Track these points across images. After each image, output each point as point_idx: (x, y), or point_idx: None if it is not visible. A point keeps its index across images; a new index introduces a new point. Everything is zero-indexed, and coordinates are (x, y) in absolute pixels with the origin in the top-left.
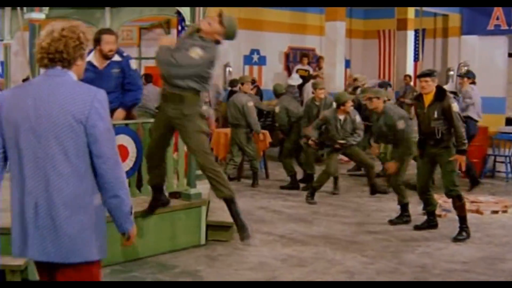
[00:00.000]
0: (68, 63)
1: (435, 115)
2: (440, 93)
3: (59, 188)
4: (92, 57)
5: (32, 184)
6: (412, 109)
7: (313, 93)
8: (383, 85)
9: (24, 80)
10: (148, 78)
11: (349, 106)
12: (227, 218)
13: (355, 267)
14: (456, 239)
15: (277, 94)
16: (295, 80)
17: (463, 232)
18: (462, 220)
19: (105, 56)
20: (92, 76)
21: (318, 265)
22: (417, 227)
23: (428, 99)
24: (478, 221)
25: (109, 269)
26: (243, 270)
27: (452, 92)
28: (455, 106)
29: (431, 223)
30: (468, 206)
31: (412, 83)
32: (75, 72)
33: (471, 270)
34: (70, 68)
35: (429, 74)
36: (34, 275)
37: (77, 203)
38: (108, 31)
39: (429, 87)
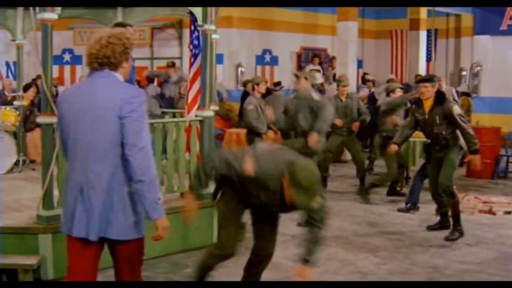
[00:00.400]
0: (115, 66)
1: (437, 120)
2: (439, 97)
3: (99, 175)
4: None
5: (79, 171)
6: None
7: (337, 90)
8: (406, 88)
9: (34, 79)
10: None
11: (398, 93)
12: None
13: (367, 267)
14: (447, 239)
15: None
16: (319, 79)
17: (455, 232)
18: (456, 218)
19: None
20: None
21: (330, 266)
22: (430, 228)
23: (427, 104)
24: (491, 221)
25: None
26: None
27: (464, 93)
28: (456, 108)
29: (444, 224)
30: (480, 206)
31: None
32: (121, 74)
33: (484, 270)
34: (117, 70)
35: (429, 79)
36: (46, 275)
37: (115, 188)
38: (129, 24)
39: (429, 92)
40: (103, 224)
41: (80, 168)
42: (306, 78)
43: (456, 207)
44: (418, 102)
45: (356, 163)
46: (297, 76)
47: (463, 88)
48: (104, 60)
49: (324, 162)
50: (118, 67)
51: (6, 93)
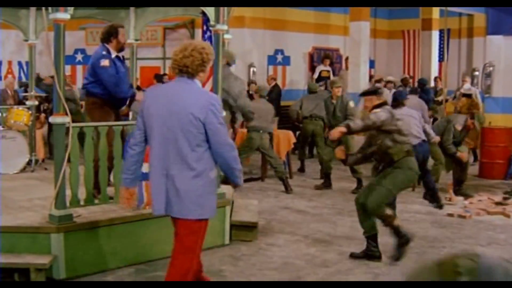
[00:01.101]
0: (192, 75)
1: (374, 132)
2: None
3: (182, 165)
4: (113, 51)
5: (164, 161)
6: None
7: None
8: (423, 82)
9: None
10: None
11: None
12: (251, 218)
13: (379, 267)
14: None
15: (310, 91)
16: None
17: (401, 243)
18: (396, 231)
19: (121, 48)
20: (124, 69)
21: (342, 266)
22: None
23: None
24: (504, 222)
25: (134, 268)
26: (267, 270)
27: (465, 95)
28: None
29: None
30: (493, 208)
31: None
32: (199, 80)
33: None
34: (194, 78)
35: (374, 92)
36: (58, 274)
37: (195, 176)
38: (121, 25)
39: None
40: (181, 204)
41: (164, 159)
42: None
43: (391, 225)
44: None
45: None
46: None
47: (466, 88)
48: (183, 68)
49: (322, 157)
50: (195, 76)
51: (9, 92)
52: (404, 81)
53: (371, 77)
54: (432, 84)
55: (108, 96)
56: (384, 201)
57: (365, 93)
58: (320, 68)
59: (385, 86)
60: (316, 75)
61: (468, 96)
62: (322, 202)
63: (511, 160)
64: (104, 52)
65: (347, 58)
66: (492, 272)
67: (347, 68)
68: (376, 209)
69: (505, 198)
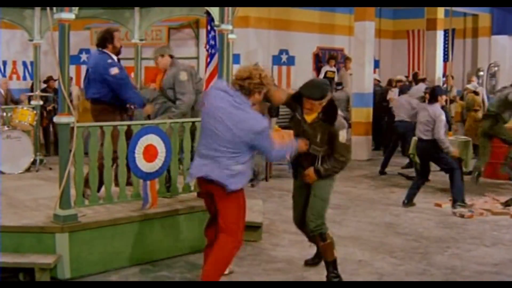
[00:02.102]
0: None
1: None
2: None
3: None
4: (113, 56)
5: None
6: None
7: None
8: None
9: (45, 81)
10: None
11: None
12: (256, 218)
13: (384, 268)
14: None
15: None
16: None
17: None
18: (330, 264)
19: (118, 52)
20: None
21: (347, 266)
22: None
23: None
24: (509, 223)
25: (138, 268)
26: (272, 270)
27: (474, 92)
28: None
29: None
30: (499, 208)
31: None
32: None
33: (502, 272)
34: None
35: (320, 98)
36: (63, 274)
37: None
38: (116, 29)
39: (317, 109)
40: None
41: None
42: (162, 55)
43: (329, 252)
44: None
45: None
46: (155, 58)
47: (474, 86)
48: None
49: None
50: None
51: (2, 91)
52: (415, 76)
53: (416, 75)
54: (437, 83)
55: (118, 102)
56: (324, 213)
57: (309, 98)
58: (325, 68)
59: (395, 86)
60: (321, 76)
61: (476, 93)
62: None
63: None
64: (109, 61)
65: (346, 58)
66: None
67: (346, 68)
68: (319, 224)
69: (506, 205)
